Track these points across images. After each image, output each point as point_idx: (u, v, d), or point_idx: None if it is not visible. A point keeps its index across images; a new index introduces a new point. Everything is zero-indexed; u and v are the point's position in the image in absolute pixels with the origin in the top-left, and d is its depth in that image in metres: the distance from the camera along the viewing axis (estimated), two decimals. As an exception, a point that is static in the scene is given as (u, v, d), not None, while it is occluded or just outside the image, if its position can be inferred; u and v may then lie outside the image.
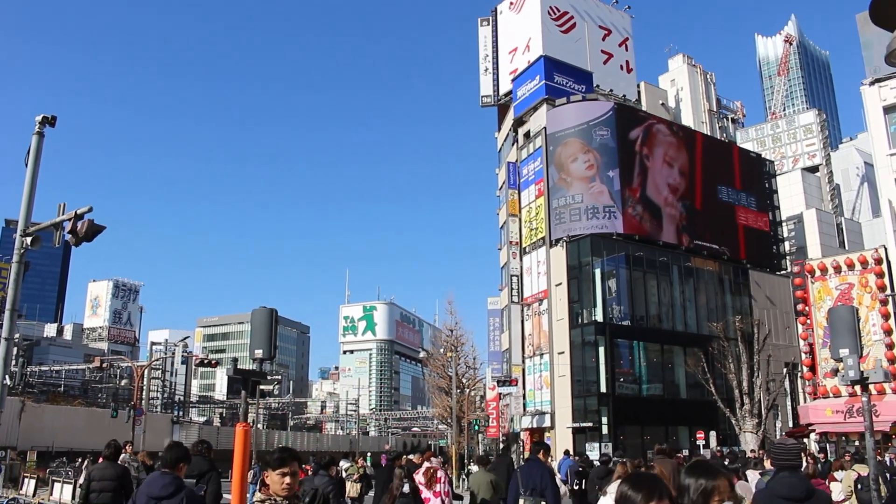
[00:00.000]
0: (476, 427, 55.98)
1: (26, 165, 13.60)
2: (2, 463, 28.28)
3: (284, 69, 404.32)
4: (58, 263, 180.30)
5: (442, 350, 58.50)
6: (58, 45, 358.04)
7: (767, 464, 11.90)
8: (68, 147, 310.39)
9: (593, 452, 34.21)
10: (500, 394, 48.55)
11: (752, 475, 12.86)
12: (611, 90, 56.22)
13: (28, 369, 72.66)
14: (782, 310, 49.84)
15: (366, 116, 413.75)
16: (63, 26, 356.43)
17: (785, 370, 43.25)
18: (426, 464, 12.12)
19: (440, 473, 11.85)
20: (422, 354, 70.75)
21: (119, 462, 10.82)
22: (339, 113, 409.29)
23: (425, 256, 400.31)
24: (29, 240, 13.26)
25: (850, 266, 37.63)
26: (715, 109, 75.34)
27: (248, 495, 10.46)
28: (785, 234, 58.07)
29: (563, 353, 43.40)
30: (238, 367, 10.91)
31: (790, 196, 61.00)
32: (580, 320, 43.93)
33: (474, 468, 14.85)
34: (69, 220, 13.38)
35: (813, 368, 38.60)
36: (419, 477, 11.60)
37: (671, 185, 48.57)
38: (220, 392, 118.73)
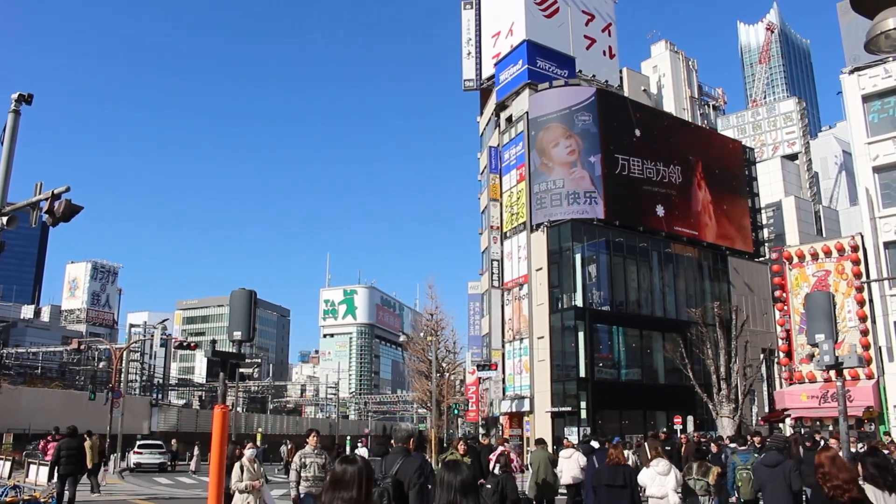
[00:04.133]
0: (455, 411, 56.28)
1: (1, 144, 13.43)
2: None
3: (263, 60, 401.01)
4: (35, 244, 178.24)
5: (422, 334, 58.59)
6: (35, 38, 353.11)
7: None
8: (48, 134, 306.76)
9: (572, 437, 34.43)
10: (480, 378, 48.74)
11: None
12: (593, 76, 56.19)
13: (4, 351, 72.01)
14: (760, 296, 50.28)
15: (346, 102, 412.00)
16: (45, 19, 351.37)
17: (762, 356, 43.68)
18: (500, 448, 15.02)
19: (513, 455, 14.85)
20: (402, 338, 70.96)
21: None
22: (319, 100, 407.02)
23: (406, 241, 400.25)
24: (5, 220, 13.12)
25: (828, 253, 38.06)
26: (697, 96, 75.54)
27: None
28: (764, 222, 58.50)
29: (542, 337, 43.58)
30: (217, 349, 10.87)
31: (769, 183, 61.43)
32: (560, 305, 44.09)
33: (534, 447, 16.92)
34: (46, 199, 13.24)
35: (789, 354, 39.11)
36: (494, 457, 14.12)
37: (653, 171, 48.69)
38: (200, 375, 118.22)
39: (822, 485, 6.36)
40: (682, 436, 22.86)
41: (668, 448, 18.04)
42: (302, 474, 11.51)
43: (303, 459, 11.70)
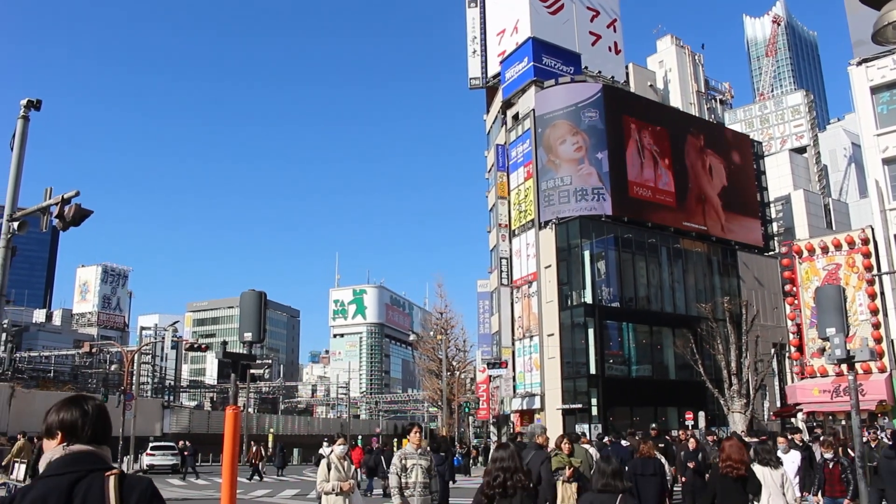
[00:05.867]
0: (466, 409, 56.30)
1: (11, 149, 13.51)
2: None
3: (268, 60, 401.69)
4: (46, 249, 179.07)
5: (432, 333, 58.72)
6: (42, 41, 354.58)
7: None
8: (57, 138, 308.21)
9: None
10: (490, 376, 48.74)
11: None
12: (599, 72, 56.08)
13: (17, 355, 72.41)
14: (770, 290, 50.10)
15: (351, 101, 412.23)
16: (51, 23, 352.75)
17: (773, 350, 43.52)
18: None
19: None
20: (412, 338, 70.89)
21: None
22: (324, 99, 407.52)
23: (415, 240, 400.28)
24: (16, 224, 13.20)
25: (838, 246, 37.84)
26: (703, 90, 75.34)
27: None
28: (773, 215, 58.28)
29: (552, 335, 43.54)
30: (228, 350, 10.91)
31: (778, 177, 61.16)
32: (569, 302, 44.03)
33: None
34: (56, 204, 13.32)
35: (800, 348, 38.91)
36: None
37: (661, 166, 48.61)
38: (211, 376, 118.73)
39: (719, 464, 8.59)
40: (682, 432, 22.72)
41: (661, 445, 18.64)
42: (403, 480, 9.21)
43: (403, 461, 9.33)
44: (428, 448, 10.20)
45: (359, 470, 27.44)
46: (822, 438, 12.91)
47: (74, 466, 2.79)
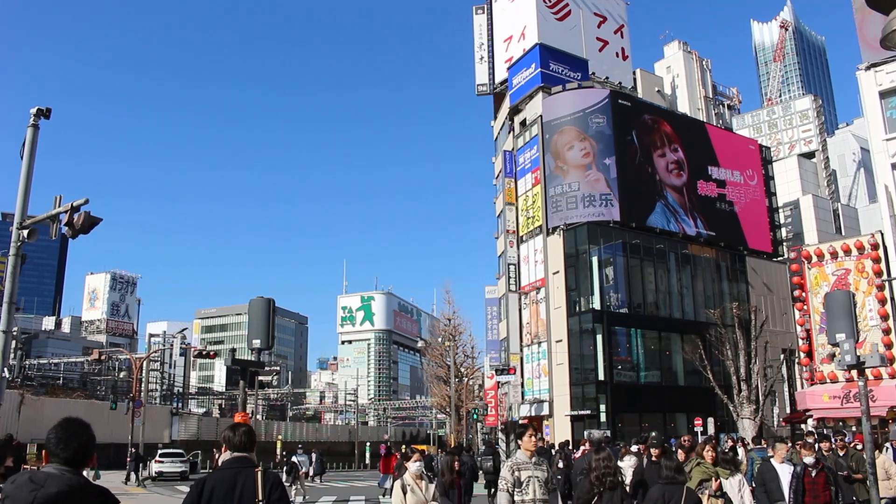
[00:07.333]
0: (475, 416, 56.16)
1: (21, 158, 13.58)
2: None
3: (276, 67, 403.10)
4: (55, 256, 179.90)
5: (440, 339, 58.68)
6: (51, 49, 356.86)
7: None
8: (65, 145, 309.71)
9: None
10: (499, 382, 48.60)
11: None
12: (606, 77, 56.08)
13: (27, 362, 72.77)
14: (779, 296, 49.91)
15: (359, 108, 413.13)
16: (60, 30, 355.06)
17: (782, 356, 43.30)
18: (582, 447, 16.09)
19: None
20: (420, 344, 70.96)
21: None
22: (331, 106, 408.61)
23: (423, 246, 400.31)
24: (25, 232, 13.26)
25: (847, 252, 37.68)
26: (711, 96, 75.25)
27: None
28: (782, 221, 58.08)
29: (560, 341, 43.47)
30: (236, 357, 10.94)
31: (787, 182, 61.00)
32: (578, 308, 43.96)
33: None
34: (65, 212, 13.37)
35: (810, 354, 38.73)
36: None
37: (669, 172, 48.54)
38: (219, 383, 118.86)
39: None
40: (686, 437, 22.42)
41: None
42: (517, 497, 7.36)
43: (517, 474, 7.42)
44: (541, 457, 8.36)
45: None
46: (806, 441, 11.44)
47: (235, 464, 4.88)
